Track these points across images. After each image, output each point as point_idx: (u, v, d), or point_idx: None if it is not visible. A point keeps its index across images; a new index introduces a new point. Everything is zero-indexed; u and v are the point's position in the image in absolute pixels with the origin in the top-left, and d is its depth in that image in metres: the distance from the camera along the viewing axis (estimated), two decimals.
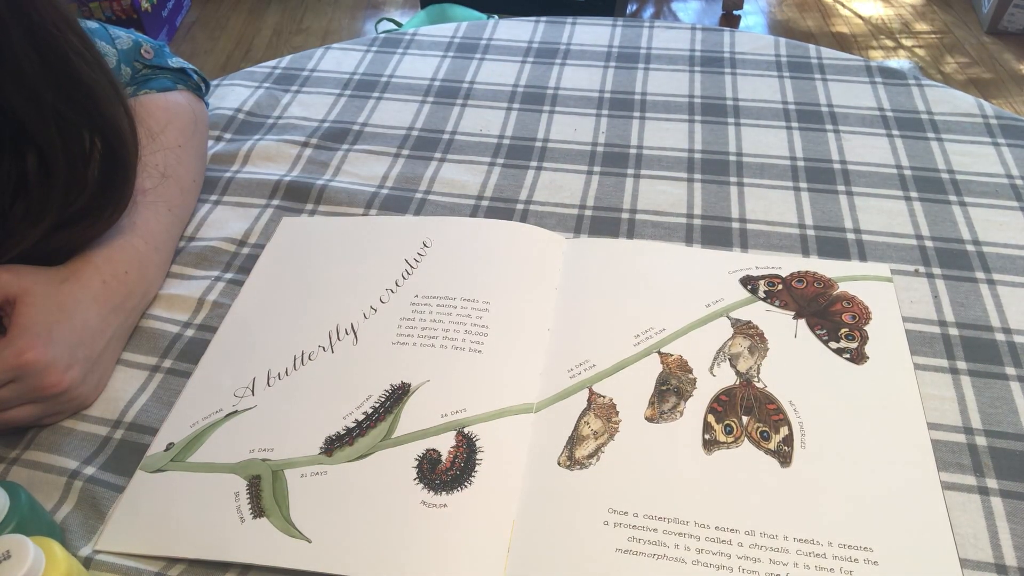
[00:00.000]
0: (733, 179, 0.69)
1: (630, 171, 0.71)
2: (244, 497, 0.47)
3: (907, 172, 0.69)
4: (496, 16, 1.40)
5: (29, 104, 0.44)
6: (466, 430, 0.49)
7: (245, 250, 0.64)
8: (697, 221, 0.65)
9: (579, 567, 0.43)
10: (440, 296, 0.58)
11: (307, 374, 0.54)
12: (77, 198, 0.49)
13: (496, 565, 0.43)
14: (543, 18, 0.94)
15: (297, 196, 0.69)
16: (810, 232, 0.63)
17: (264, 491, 0.47)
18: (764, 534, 0.44)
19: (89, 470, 0.48)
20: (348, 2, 2.51)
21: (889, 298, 0.57)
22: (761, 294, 0.58)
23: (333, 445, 0.49)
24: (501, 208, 0.67)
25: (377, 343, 0.55)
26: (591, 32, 0.91)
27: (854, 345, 0.54)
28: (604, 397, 0.51)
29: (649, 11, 2.44)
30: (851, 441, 0.48)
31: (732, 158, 0.72)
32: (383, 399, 0.51)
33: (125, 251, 0.56)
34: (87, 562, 0.44)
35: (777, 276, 0.59)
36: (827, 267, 0.60)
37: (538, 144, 0.74)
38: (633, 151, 0.73)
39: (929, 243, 0.62)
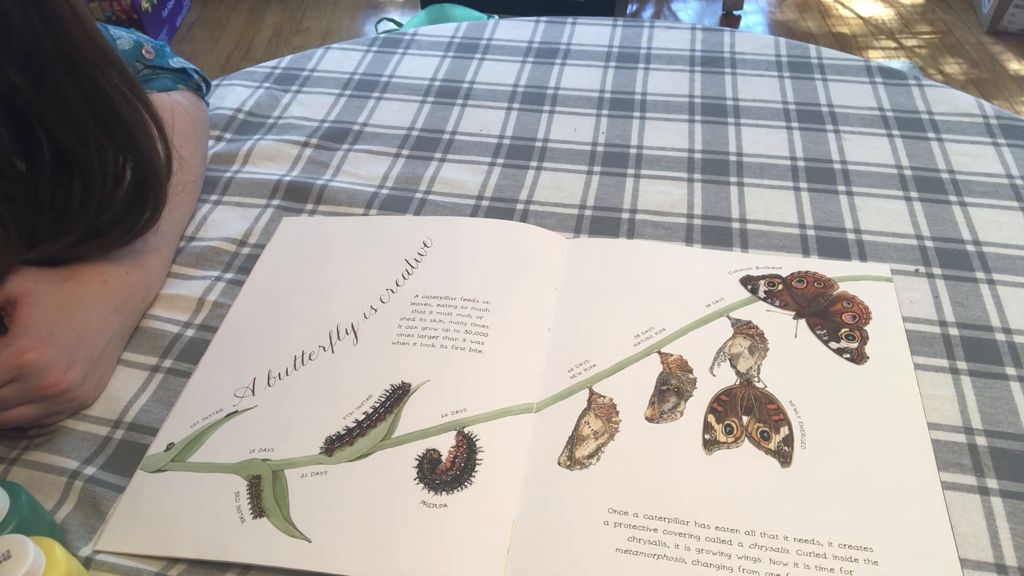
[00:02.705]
0: (733, 179, 0.69)
1: (630, 171, 0.71)
2: (244, 497, 0.47)
3: (907, 172, 0.69)
4: (496, 16, 1.40)
5: (72, 135, 0.46)
6: (466, 430, 0.49)
7: (245, 250, 0.64)
8: (697, 221, 0.65)
9: (579, 567, 0.43)
10: (440, 296, 0.58)
11: (307, 374, 0.54)
12: (103, 214, 0.50)
13: (496, 565, 0.43)
14: (543, 18, 0.94)
15: (297, 196, 0.69)
16: (810, 232, 0.63)
17: (264, 491, 0.47)
18: (764, 534, 0.44)
19: (89, 470, 0.48)
20: (348, 2, 2.51)
21: (889, 298, 0.57)
22: (761, 294, 0.58)
23: (333, 445, 0.49)
24: (501, 208, 0.67)
25: (377, 343, 0.55)
26: (591, 32, 0.91)
27: (854, 345, 0.54)
28: (604, 397, 0.51)
29: (649, 11, 2.44)
30: (851, 441, 0.48)
31: (732, 158, 0.72)
32: (383, 399, 0.51)
33: (127, 252, 0.56)
34: (87, 562, 0.44)
35: (777, 276, 0.59)
36: (827, 267, 0.60)
37: (538, 144, 0.74)
38: (633, 151, 0.73)
39: (929, 243, 0.62)
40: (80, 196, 0.48)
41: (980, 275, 0.59)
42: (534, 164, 0.72)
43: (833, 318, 0.56)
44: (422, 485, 0.47)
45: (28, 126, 0.44)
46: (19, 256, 0.48)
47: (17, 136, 0.44)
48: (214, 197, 0.69)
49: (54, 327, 0.49)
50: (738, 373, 0.52)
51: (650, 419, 0.50)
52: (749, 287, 0.58)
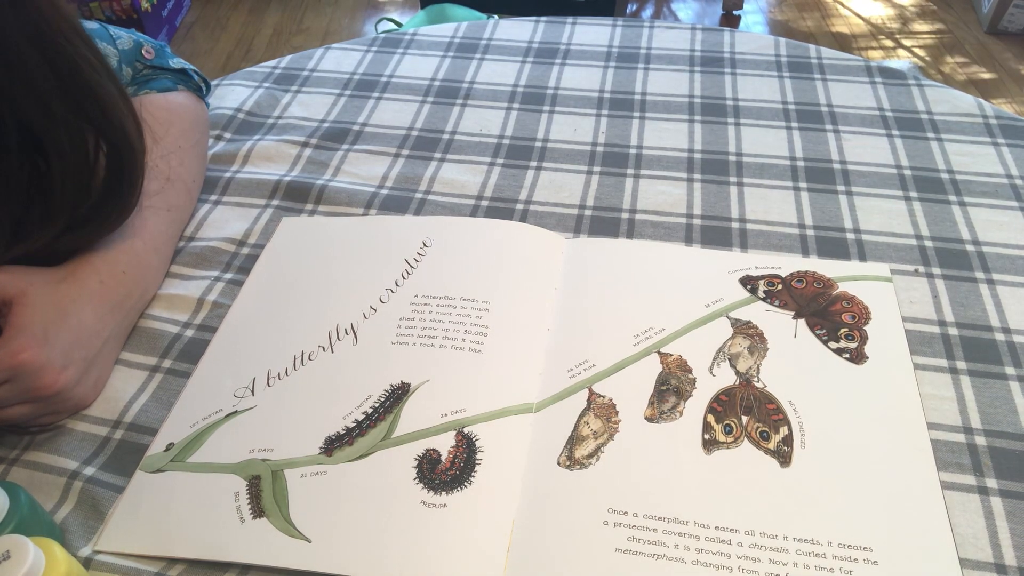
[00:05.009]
0: (733, 179, 0.69)
1: (630, 171, 0.71)
2: (244, 497, 0.47)
3: (907, 172, 0.69)
4: (496, 16, 1.40)
5: (40, 112, 0.44)
6: (466, 430, 0.49)
7: (245, 250, 0.64)
8: (697, 221, 0.65)
9: (579, 567, 0.43)
10: (440, 296, 0.58)
11: (307, 374, 0.54)
12: (84, 202, 0.49)
13: (496, 565, 0.43)
14: (543, 18, 0.94)
15: (297, 196, 0.69)
16: (810, 232, 0.63)
17: (264, 491, 0.47)
18: (764, 534, 0.44)
19: (89, 470, 0.48)
20: (348, 2, 2.51)
21: (889, 298, 0.57)
22: (761, 294, 0.58)
23: (333, 445, 0.49)
24: (501, 208, 0.67)
25: (377, 343, 0.55)
26: (591, 32, 0.91)
27: (854, 345, 0.54)
28: (604, 397, 0.51)
29: (649, 11, 2.44)
30: (851, 441, 0.48)
31: (732, 158, 0.72)
32: (383, 399, 0.51)
33: (123, 251, 0.56)
34: (87, 562, 0.44)
35: (777, 276, 0.59)
36: (827, 267, 0.60)
37: (538, 144, 0.74)
38: (633, 151, 0.73)
39: (929, 243, 0.62)
40: (58, 184, 0.46)
41: (980, 275, 0.59)
42: (534, 164, 0.72)
43: (832, 318, 0.56)
44: (422, 485, 0.47)
45: None
46: (2, 250, 0.48)
47: None
48: (214, 197, 0.69)
49: (49, 327, 0.48)
50: (737, 373, 0.52)
51: (649, 419, 0.50)
52: (748, 287, 0.58)
